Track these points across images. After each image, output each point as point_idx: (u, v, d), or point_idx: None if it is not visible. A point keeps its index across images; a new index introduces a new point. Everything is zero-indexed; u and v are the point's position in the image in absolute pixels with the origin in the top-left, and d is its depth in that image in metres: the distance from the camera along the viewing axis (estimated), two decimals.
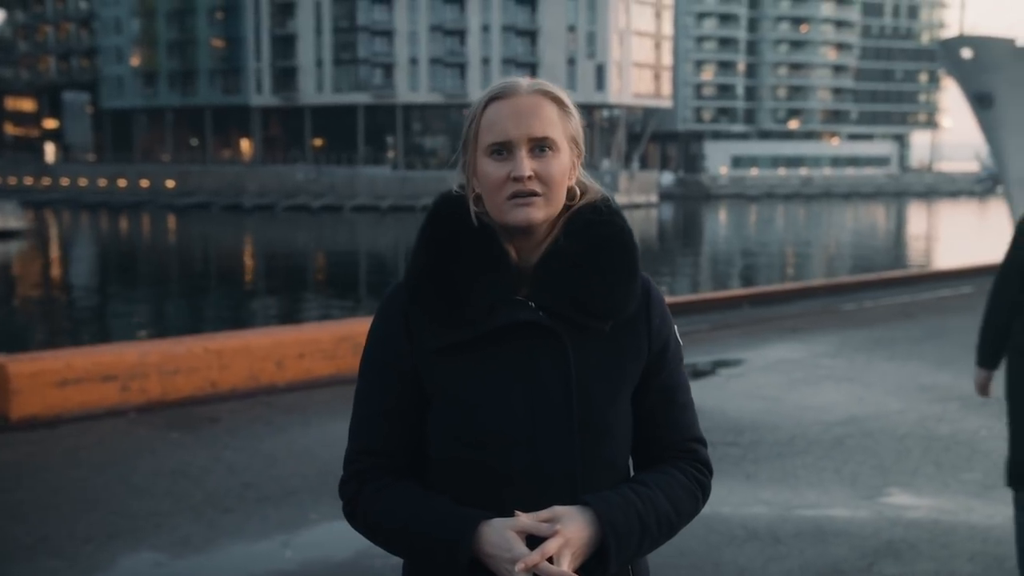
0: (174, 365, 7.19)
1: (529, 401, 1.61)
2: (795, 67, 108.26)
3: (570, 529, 1.53)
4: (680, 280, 32.88)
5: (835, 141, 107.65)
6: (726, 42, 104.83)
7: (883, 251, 44.71)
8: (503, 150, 1.62)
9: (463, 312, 1.62)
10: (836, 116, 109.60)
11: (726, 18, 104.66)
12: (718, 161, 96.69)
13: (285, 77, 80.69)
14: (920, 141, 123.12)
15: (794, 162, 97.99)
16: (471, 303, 1.62)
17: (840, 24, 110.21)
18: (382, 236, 51.67)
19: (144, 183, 71.87)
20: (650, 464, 1.72)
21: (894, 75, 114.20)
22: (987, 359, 3.76)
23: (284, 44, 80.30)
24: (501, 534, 1.53)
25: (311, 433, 6.45)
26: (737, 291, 13.90)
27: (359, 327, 8.30)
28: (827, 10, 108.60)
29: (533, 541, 1.53)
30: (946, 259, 34.46)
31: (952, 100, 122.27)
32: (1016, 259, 3.64)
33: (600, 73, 78.20)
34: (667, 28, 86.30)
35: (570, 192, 1.68)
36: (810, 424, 6.56)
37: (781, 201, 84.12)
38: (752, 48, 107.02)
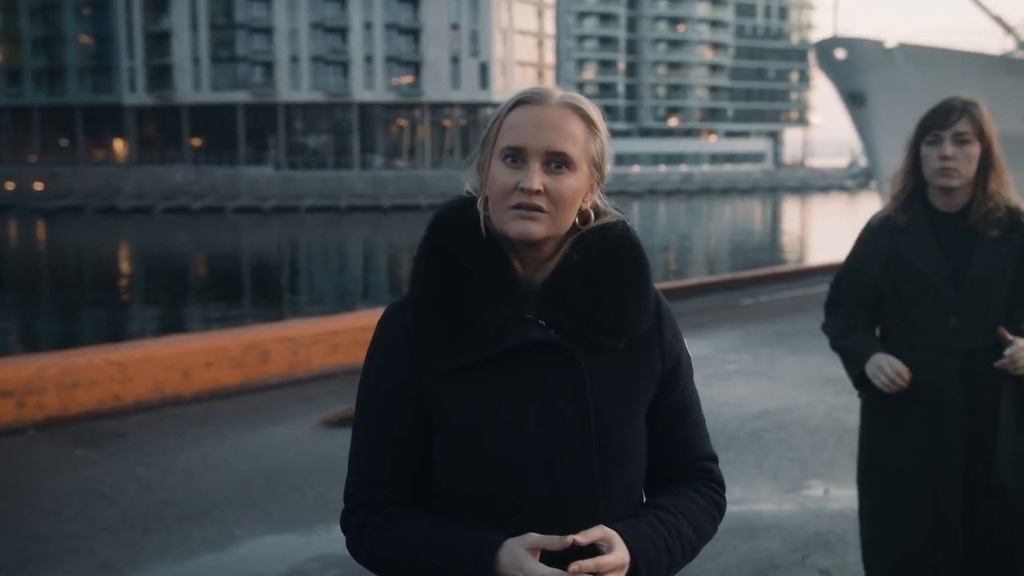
0: (74, 378, 6.85)
1: (544, 424, 1.54)
2: (673, 66, 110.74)
3: (617, 554, 1.48)
4: None
5: (713, 138, 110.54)
6: (606, 41, 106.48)
7: (764, 246, 46.14)
8: (517, 157, 1.55)
9: (472, 333, 1.55)
10: (713, 114, 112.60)
11: (606, 17, 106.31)
12: None
13: (160, 75, 78.19)
14: (792, 138, 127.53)
15: (674, 159, 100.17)
16: (480, 323, 1.55)
17: (715, 24, 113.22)
18: (266, 238, 50.63)
19: (10, 186, 68.58)
20: (665, 484, 1.67)
21: (767, 74, 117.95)
22: (864, 356, 3.08)
23: (158, 41, 77.80)
24: (513, 553, 1.47)
25: (226, 445, 6.24)
26: None
27: (267, 333, 8.09)
28: (703, 10, 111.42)
29: (547, 559, 1.48)
30: (825, 253, 35.77)
31: (821, 98, 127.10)
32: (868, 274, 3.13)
33: (484, 71, 78.38)
34: (549, 27, 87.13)
35: (583, 215, 1.61)
36: (727, 419, 6.69)
37: (663, 198, 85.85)
38: (632, 47, 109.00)
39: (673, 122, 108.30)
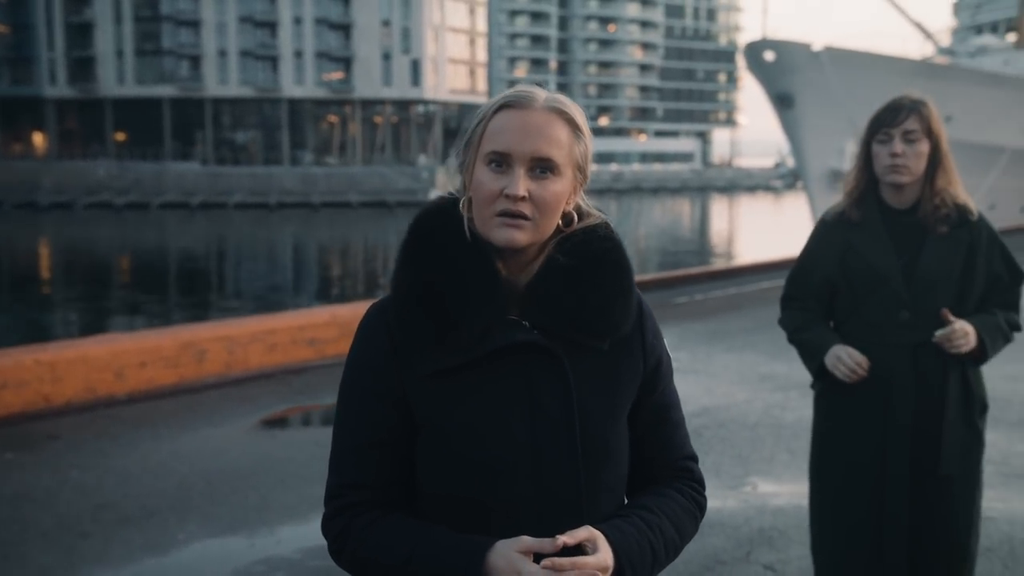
0: (1, 379, 6.65)
1: (530, 426, 1.54)
2: (604, 65, 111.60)
3: (601, 555, 1.48)
4: None
5: (643, 138, 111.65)
6: (538, 40, 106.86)
7: (694, 244, 46.73)
8: (502, 162, 1.54)
9: (456, 334, 1.54)
10: (643, 113, 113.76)
11: (538, 16, 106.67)
12: None
13: (82, 68, 76.25)
14: (720, 138, 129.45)
15: (605, 158, 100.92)
16: (464, 324, 1.54)
17: (645, 24, 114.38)
18: (194, 234, 49.74)
19: None
20: (646, 484, 1.68)
21: (696, 75, 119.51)
22: (823, 348, 3.10)
23: (79, 32, 75.84)
24: (507, 557, 1.46)
25: (163, 447, 6.10)
26: None
27: (203, 333, 7.94)
28: (633, 11, 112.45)
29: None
30: (754, 252, 36.37)
31: (748, 99, 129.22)
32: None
33: (416, 68, 78.02)
34: (481, 25, 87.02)
35: (567, 217, 1.61)
36: None
37: (594, 196, 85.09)
38: (563, 46, 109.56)
39: (604, 121, 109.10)
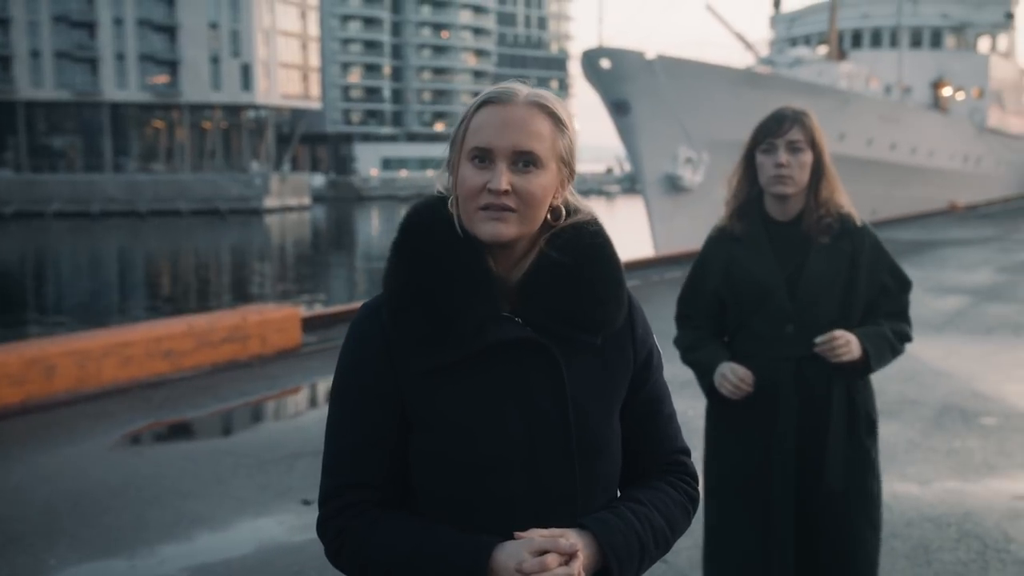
0: None
1: (526, 422, 1.54)
2: (438, 71, 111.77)
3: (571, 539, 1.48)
4: (336, 285, 32.77)
5: None
6: (371, 45, 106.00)
7: None
8: (485, 158, 1.54)
9: (450, 331, 1.53)
10: None
11: (370, 21, 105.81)
12: (368, 163, 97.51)
13: None
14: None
15: (440, 164, 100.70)
16: (458, 322, 1.53)
17: (478, 31, 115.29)
18: (7, 245, 46.79)
19: None
20: (638, 478, 1.68)
21: (528, 82, 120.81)
22: (712, 367, 3.05)
23: None
24: (517, 557, 1.45)
25: (18, 469, 5.73)
26: None
27: (51, 347, 7.49)
28: (465, 17, 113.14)
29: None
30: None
31: (580, 106, 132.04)
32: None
33: (246, 73, 76.00)
34: (313, 29, 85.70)
35: (555, 212, 1.61)
36: None
37: None
38: (397, 52, 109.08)
39: (440, 127, 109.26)
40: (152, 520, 4.89)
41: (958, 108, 44.86)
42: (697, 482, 1.72)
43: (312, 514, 4.90)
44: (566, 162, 1.62)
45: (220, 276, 36.89)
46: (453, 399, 1.54)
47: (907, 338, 3.08)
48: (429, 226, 1.59)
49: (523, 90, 1.59)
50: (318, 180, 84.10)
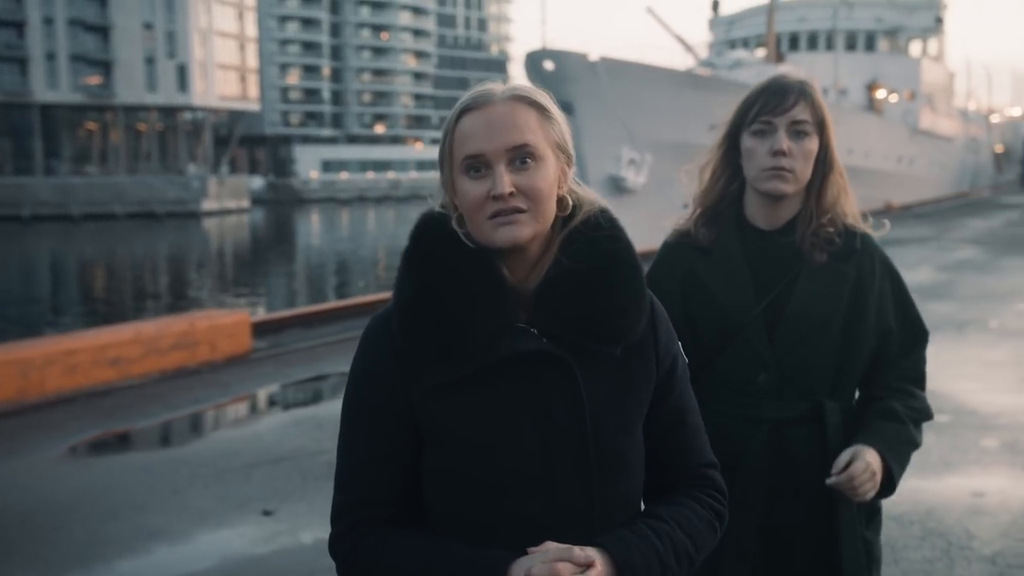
0: None
1: (542, 437, 1.48)
2: (378, 73, 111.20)
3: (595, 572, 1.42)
4: (277, 289, 32.36)
5: (419, 145, 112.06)
6: (310, 46, 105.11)
7: None
8: (479, 166, 1.47)
9: (463, 344, 1.47)
10: (419, 121, 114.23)
11: (309, 22, 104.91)
12: (308, 165, 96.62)
13: None
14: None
15: (382, 166, 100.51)
16: (471, 334, 1.47)
17: (418, 33, 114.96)
18: None
19: None
20: (663, 493, 1.61)
21: (469, 84, 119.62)
22: None
23: None
24: (527, 564, 1.40)
25: None
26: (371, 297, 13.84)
27: None
28: (405, 19, 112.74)
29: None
30: None
31: None
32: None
33: (182, 74, 74.80)
34: (251, 30, 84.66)
35: (562, 202, 1.54)
36: None
37: (372, 204, 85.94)
38: (336, 53, 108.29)
39: (380, 129, 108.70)
40: (108, 535, 4.73)
41: (892, 110, 45.87)
42: (725, 496, 1.65)
43: (274, 525, 4.80)
44: (562, 148, 1.54)
45: (158, 281, 36.21)
46: (465, 414, 1.48)
47: (926, 415, 2.29)
48: (439, 235, 1.53)
49: (498, 87, 1.53)
50: (257, 183, 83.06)
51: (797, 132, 2.15)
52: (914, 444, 2.23)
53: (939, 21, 50.83)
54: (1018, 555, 4.35)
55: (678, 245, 2.30)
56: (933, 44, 51.88)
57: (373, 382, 1.53)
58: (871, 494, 2.12)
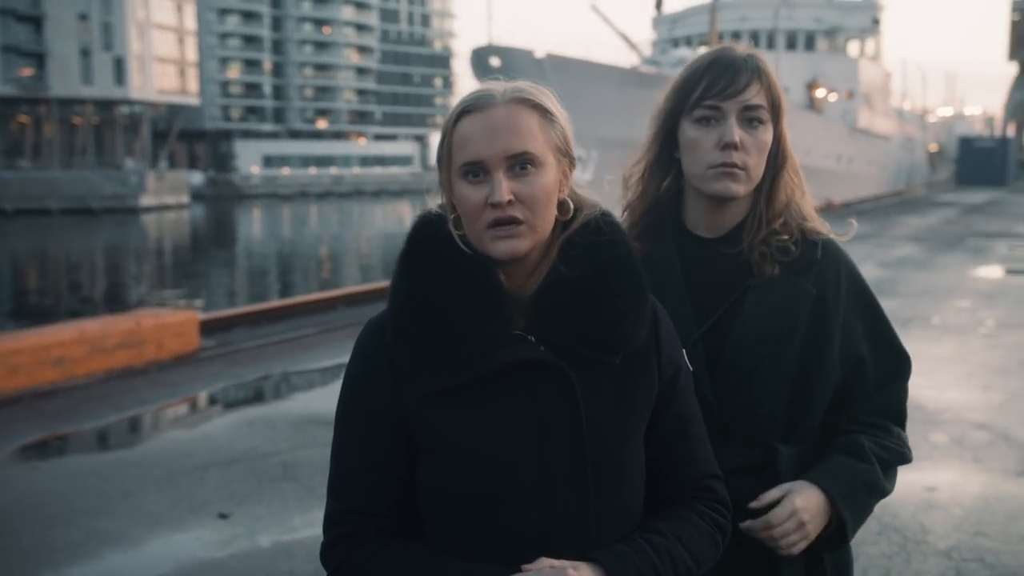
0: None
1: (538, 448, 1.44)
2: (320, 68, 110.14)
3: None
4: (218, 286, 31.88)
5: (362, 141, 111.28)
6: (251, 40, 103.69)
7: None
8: (478, 171, 1.44)
9: (459, 351, 1.44)
10: (362, 117, 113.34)
11: (249, 16, 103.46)
12: (249, 160, 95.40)
13: None
14: (437, 142, 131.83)
15: (324, 161, 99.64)
16: (467, 341, 1.43)
17: (361, 28, 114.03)
18: None
19: None
20: (665, 504, 1.57)
21: (412, 79, 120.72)
22: None
23: None
24: None
25: None
26: (334, 292, 13.68)
27: None
28: (348, 14, 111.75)
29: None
30: None
31: None
32: None
33: (119, 67, 73.28)
34: (190, 23, 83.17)
35: (563, 206, 1.50)
36: None
37: (314, 200, 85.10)
38: (278, 47, 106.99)
39: (322, 124, 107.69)
40: (57, 540, 4.60)
41: (831, 109, 46.70)
42: (728, 509, 1.60)
43: (231, 528, 4.72)
44: (564, 152, 1.50)
45: (96, 278, 35.46)
46: (460, 424, 1.44)
47: (902, 460, 1.87)
48: (436, 239, 1.49)
49: (499, 88, 1.47)
50: (197, 178, 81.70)
51: (750, 120, 1.75)
52: (879, 491, 1.81)
53: (876, 22, 51.86)
54: (972, 549, 4.43)
55: None
56: (870, 44, 52.91)
57: (366, 389, 1.49)
58: (798, 548, 1.71)
